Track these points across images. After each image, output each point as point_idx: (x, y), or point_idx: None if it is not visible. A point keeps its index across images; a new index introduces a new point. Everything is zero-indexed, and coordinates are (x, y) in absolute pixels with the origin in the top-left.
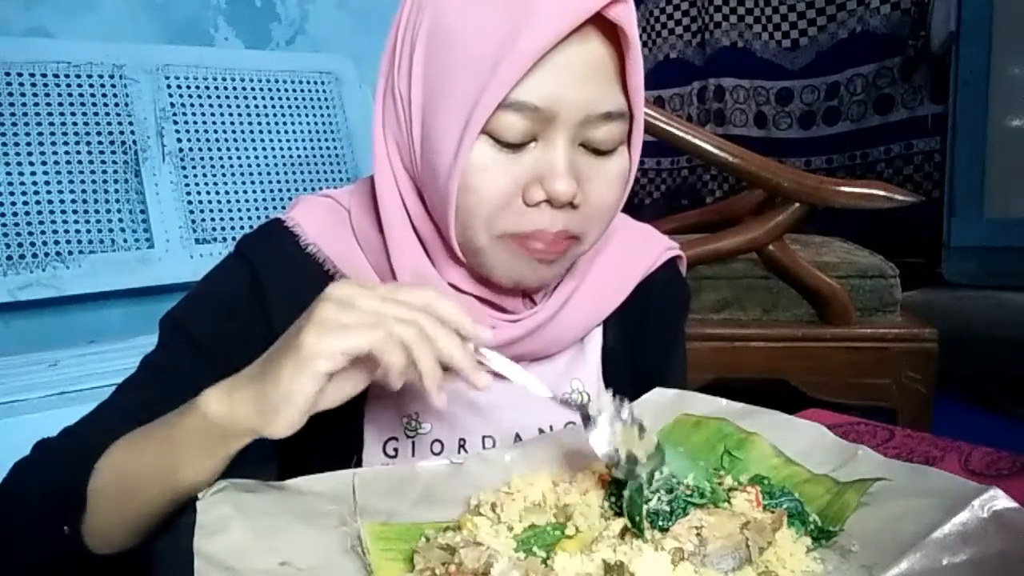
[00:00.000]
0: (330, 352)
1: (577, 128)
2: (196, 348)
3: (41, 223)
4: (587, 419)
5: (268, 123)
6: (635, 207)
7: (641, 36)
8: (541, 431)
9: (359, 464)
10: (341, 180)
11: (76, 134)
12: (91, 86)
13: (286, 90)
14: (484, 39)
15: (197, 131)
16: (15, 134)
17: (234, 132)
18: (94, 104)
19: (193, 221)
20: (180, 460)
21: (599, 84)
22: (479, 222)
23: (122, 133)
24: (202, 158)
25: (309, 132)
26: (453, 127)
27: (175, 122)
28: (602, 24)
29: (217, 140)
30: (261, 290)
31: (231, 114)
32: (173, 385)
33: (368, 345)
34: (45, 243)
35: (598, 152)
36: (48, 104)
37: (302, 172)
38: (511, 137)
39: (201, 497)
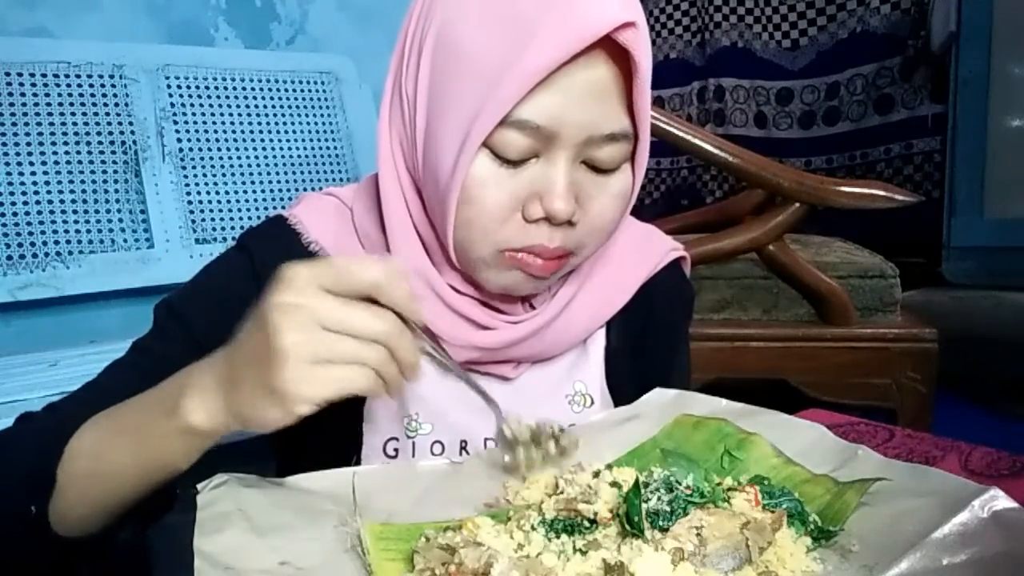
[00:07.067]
0: (312, 398)
1: (579, 147)
2: (189, 334)
3: (41, 223)
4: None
5: (268, 123)
6: (635, 207)
7: None
8: None
9: (359, 464)
10: (341, 180)
11: (76, 134)
12: (91, 86)
13: (286, 90)
14: (489, 55)
15: (197, 131)
16: (15, 134)
17: (234, 132)
18: (94, 104)
19: (193, 221)
20: (158, 452)
21: (603, 106)
22: (478, 234)
23: (122, 133)
24: (202, 158)
25: (309, 132)
26: (454, 138)
27: (175, 122)
28: (610, 46)
29: (217, 140)
30: (260, 283)
31: (231, 114)
32: (163, 368)
33: (348, 390)
34: (45, 243)
35: (600, 170)
36: (48, 104)
37: (302, 172)
38: (511, 154)
39: (200, 490)
